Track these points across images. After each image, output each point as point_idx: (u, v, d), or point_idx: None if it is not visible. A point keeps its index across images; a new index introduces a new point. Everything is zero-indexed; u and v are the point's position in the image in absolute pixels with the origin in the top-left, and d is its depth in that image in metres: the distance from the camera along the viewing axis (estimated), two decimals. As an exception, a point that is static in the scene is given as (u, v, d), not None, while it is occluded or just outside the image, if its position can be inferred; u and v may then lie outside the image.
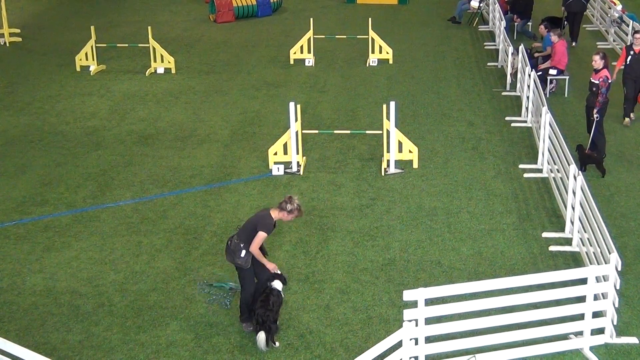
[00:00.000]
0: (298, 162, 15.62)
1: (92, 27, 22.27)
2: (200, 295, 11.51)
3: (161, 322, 10.93)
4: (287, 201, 10.38)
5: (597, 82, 15.37)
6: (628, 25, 22.34)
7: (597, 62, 15.45)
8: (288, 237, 13.11)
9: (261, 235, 10.24)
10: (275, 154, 15.65)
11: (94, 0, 32.06)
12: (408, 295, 9.36)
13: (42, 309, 11.27)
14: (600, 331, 10.28)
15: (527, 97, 17.78)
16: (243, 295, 10.64)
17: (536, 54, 20.62)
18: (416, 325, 9.45)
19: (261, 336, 10.19)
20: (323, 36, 24.05)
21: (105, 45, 23.39)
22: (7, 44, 25.28)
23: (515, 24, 25.02)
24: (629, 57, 17.52)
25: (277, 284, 10.52)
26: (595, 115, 15.38)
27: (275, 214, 10.36)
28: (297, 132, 15.43)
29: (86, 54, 22.29)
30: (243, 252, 10.34)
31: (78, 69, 22.32)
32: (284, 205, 10.35)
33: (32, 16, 29.39)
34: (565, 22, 24.41)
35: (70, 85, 21.14)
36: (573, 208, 12.53)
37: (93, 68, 22.17)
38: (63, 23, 28.17)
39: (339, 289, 11.63)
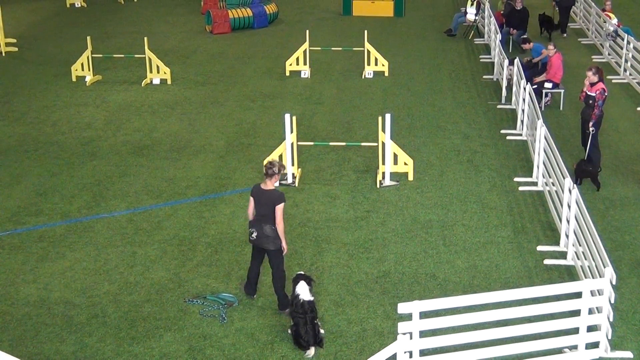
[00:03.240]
0: (293, 174, 15.61)
1: (89, 38, 22.28)
2: (194, 306, 11.48)
3: (155, 333, 10.90)
4: None
5: (593, 94, 15.37)
6: (623, 39, 22.42)
7: (591, 77, 15.45)
8: (283, 249, 13.09)
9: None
10: (271, 165, 15.64)
11: (90, 11, 32.14)
12: (403, 308, 9.35)
13: (36, 319, 11.23)
14: (594, 345, 10.27)
15: (522, 110, 17.81)
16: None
17: (534, 60, 20.78)
18: (411, 338, 9.43)
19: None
20: (319, 48, 24.11)
21: (101, 55, 23.41)
22: (3, 54, 25.29)
23: (512, 36, 25.13)
24: None
25: (301, 288, 10.76)
26: (590, 129, 15.40)
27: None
28: (292, 144, 15.43)
29: (82, 64, 22.30)
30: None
31: (74, 79, 22.33)
32: None
33: (29, 26, 29.41)
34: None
35: (66, 96, 21.13)
36: (568, 221, 12.54)
37: (89, 78, 22.17)
38: (59, 33, 28.21)
39: (334, 301, 11.61)
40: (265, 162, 10.75)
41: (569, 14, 27.39)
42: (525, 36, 21.83)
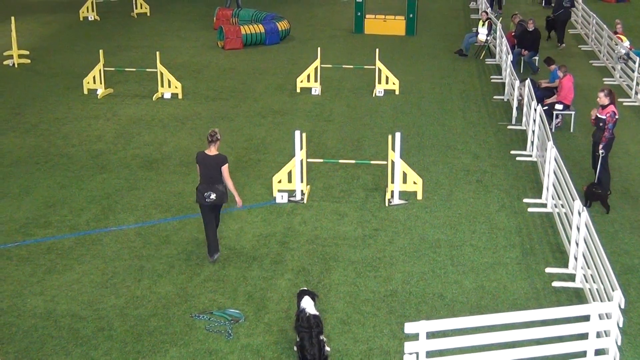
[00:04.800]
0: (302, 191, 15.61)
1: (101, 51, 22.39)
2: (200, 322, 11.46)
3: (161, 348, 10.88)
4: None
5: (604, 117, 15.34)
6: (635, 62, 22.40)
7: (602, 98, 15.43)
8: (290, 266, 13.08)
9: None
10: (280, 181, 15.65)
11: (103, 24, 32.30)
12: (410, 327, 9.31)
13: (42, 331, 11.23)
14: (602, 369, 10.21)
15: (533, 132, 17.79)
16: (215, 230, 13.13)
17: (543, 84, 20.75)
18: (417, 358, 9.39)
19: None
20: (330, 65, 24.15)
21: (113, 69, 23.50)
22: (16, 66, 25.43)
23: (523, 57, 25.15)
24: None
25: (306, 302, 10.70)
26: (600, 151, 15.36)
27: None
28: (302, 161, 15.43)
29: (94, 77, 22.40)
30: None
31: (85, 92, 22.42)
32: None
33: (42, 39, 29.57)
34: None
35: (77, 108, 21.21)
36: (577, 244, 12.50)
37: (100, 91, 22.25)
38: (72, 46, 28.35)
39: (340, 319, 11.57)
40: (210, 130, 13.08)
41: (565, 26, 29.09)
42: (549, 57, 21.87)
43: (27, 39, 28.88)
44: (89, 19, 33.08)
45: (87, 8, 33.30)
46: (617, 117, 15.37)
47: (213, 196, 12.70)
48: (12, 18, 25.79)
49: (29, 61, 25.89)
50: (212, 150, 12.82)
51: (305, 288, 11.14)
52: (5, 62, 25.67)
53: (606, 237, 13.97)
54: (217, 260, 13.08)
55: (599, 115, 15.48)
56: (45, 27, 31.69)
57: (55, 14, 34.11)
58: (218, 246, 13.17)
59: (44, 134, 19.22)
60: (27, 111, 20.99)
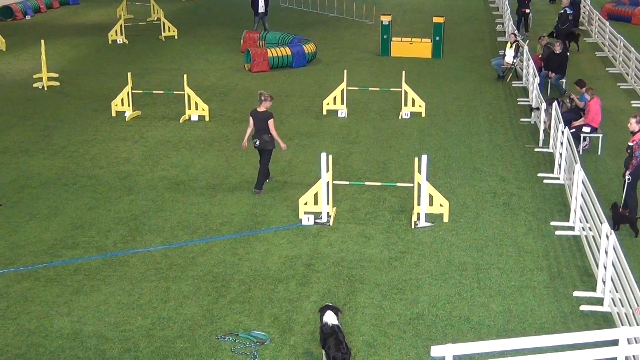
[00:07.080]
0: (328, 213, 15.61)
1: (129, 74, 22.60)
2: (226, 343, 11.46)
3: (186, 369, 10.89)
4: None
5: (631, 144, 15.27)
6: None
7: (633, 125, 15.36)
8: (316, 288, 13.06)
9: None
10: (306, 203, 15.66)
11: (131, 47, 32.62)
12: (436, 351, 9.25)
13: (69, 352, 11.28)
14: (631, 394, 10.08)
15: (560, 154, 17.70)
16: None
17: (574, 98, 20.67)
18: (443, 382, 9.33)
19: None
20: (356, 88, 24.20)
21: (141, 91, 23.71)
22: (46, 88, 25.73)
23: (550, 79, 25.06)
24: None
25: (328, 317, 10.66)
26: (626, 177, 15.25)
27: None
28: (328, 183, 15.45)
29: (122, 99, 22.60)
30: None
31: (113, 114, 22.62)
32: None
33: (71, 61, 29.92)
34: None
35: (105, 130, 21.40)
36: (605, 267, 12.38)
37: (128, 114, 22.44)
38: (100, 69, 28.64)
39: (366, 342, 11.53)
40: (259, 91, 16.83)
41: (573, 38, 30.67)
42: (580, 79, 21.79)
43: (57, 62, 29.24)
44: (118, 42, 33.44)
45: (116, 31, 33.67)
46: (645, 144, 15.27)
47: (257, 142, 16.59)
48: (42, 41, 26.12)
49: (58, 84, 26.19)
50: (261, 108, 16.53)
51: (329, 303, 11.10)
52: (34, 85, 25.99)
53: (635, 260, 13.83)
54: (261, 192, 16.89)
55: (628, 143, 15.42)
56: (75, 50, 32.07)
57: (84, 37, 34.52)
58: (266, 178, 17.07)
59: (72, 156, 19.40)
60: (55, 133, 21.21)
